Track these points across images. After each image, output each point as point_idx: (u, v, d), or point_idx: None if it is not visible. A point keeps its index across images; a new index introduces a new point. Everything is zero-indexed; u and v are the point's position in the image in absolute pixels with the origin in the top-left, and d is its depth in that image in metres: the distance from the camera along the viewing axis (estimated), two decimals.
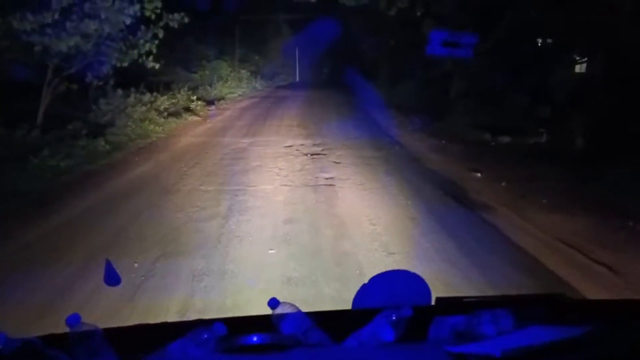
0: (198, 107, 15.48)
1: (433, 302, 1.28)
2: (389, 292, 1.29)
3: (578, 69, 15.08)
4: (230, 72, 25.06)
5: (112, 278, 1.41)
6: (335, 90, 25.06)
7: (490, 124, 11.63)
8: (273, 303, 1.08)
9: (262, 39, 31.33)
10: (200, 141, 10.17)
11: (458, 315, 1.08)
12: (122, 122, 10.60)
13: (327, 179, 6.99)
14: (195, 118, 13.79)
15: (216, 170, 7.45)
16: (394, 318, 1.04)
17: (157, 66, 10.31)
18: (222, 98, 19.47)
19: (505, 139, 9.95)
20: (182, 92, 16.51)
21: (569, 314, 1.21)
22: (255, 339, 1.02)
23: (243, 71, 26.09)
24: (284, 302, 1.08)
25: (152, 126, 11.17)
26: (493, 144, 10.04)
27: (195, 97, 15.92)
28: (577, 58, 14.89)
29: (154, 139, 10.38)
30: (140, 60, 10.14)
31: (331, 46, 29.64)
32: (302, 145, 9.65)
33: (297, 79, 37.94)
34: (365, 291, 1.31)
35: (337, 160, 8.25)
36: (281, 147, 9.43)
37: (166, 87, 16.42)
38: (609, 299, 2.98)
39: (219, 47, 26.84)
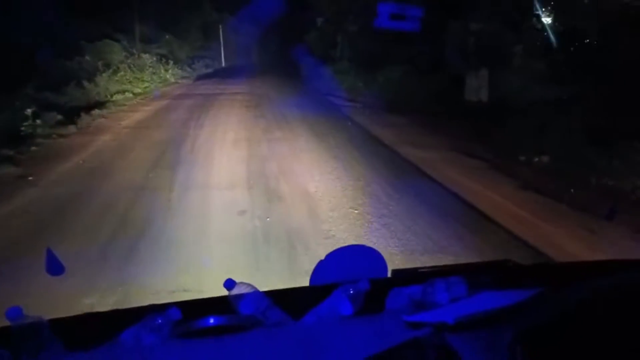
0: (39, 130, 7.66)
1: (389, 275, 1.29)
2: (346, 267, 1.23)
3: None
4: (126, 57, 16.88)
5: (55, 267, 1.23)
6: (284, 80, 17.77)
7: None
8: (229, 284, 1.02)
9: (175, 11, 23.08)
10: None
11: (413, 286, 1.08)
12: None
13: None
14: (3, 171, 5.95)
15: None
16: (351, 292, 1.03)
17: None
18: (105, 103, 11.53)
19: None
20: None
21: (516, 278, 1.26)
22: (212, 321, 0.98)
23: (146, 56, 17.88)
24: (241, 283, 1.02)
25: None
26: None
27: (30, 111, 7.95)
28: None
29: None
30: None
31: (271, 19, 22.12)
32: None
33: (224, 64, 29.94)
34: (322, 267, 1.26)
35: None
36: None
37: None
38: (552, 262, 3.16)
39: (112, 23, 18.51)
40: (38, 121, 7.81)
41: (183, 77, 19.98)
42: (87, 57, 15.21)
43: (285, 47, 22.34)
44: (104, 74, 13.67)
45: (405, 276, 1.26)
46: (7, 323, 0.87)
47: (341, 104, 12.48)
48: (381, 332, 0.93)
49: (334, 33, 19.91)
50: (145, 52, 18.33)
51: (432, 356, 0.88)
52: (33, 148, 6.97)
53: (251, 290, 1.01)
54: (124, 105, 11.76)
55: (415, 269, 1.32)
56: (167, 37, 22.37)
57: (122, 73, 14.78)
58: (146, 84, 15.34)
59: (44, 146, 7.23)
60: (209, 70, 24.90)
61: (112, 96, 12.32)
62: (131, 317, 0.94)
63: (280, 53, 24.11)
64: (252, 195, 5.13)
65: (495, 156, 7.07)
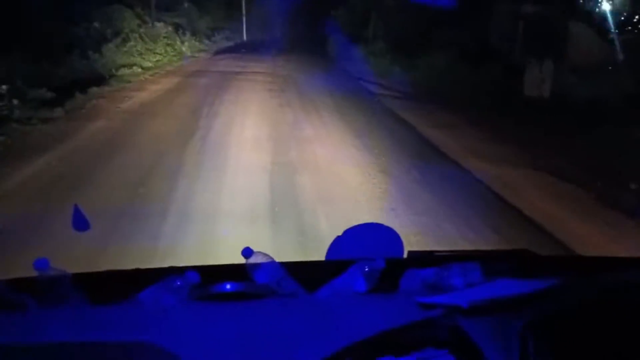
0: (17, 112, 6.17)
1: (405, 256, 1.28)
2: (363, 244, 1.24)
3: None
4: (139, 26, 15.27)
5: (80, 223, 1.26)
6: (311, 60, 16.07)
7: None
8: (247, 252, 1.02)
9: None
10: None
11: (429, 268, 1.07)
12: None
13: None
14: None
15: None
16: (366, 269, 1.03)
17: None
18: (108, 78, 10.02)
19: None
20: None
21: (533, 268, 1.24)
22: (228, 287, 0.99)
23: (160, 25, 16.22)
24: (258, 252, 1.01)
25: None
26: None
27: (6, 87, 6.41)
28: None
29: None
30: None
31: None
32: None
33: (245, 38, 28.10)
34: (338, 243, 1.27)
35: None
36: None
37: None
38: (571, 255, 3.17)
39: None
40: (15, 101, 6.30)
41: (200, 51, 18.29)
42: (96, 24, 13.68)
43: (313, 23, 20.50)
44: (110, 44, 12.09)
45: (421, 258, 1.24)
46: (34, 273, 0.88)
47: (379, 92, 10.78)
48: (393, 311, 0.92)
49: (367, 9, 18.04)
50: (160, 21, 16.67)
51: (444, 337, 0.87)
52: (0, 138, 5.48)
53: (267, 260, 1.01)
54: (129, 82, 10.20)
55: (431, 252, 1.30)
56: (185, 5, 20.65)
57: (132, 43, 13.19)
58: (158, 57, 13.72)
59: (16, 136, 5.74)
60: (230, 43, 23.13)
61: (117, 70, 10.77)
62: (151, 277, 0.95)
63: (307, 29, 22.24)
64: (278, 236, 3.57)
65: (592, 178, 5.39)
